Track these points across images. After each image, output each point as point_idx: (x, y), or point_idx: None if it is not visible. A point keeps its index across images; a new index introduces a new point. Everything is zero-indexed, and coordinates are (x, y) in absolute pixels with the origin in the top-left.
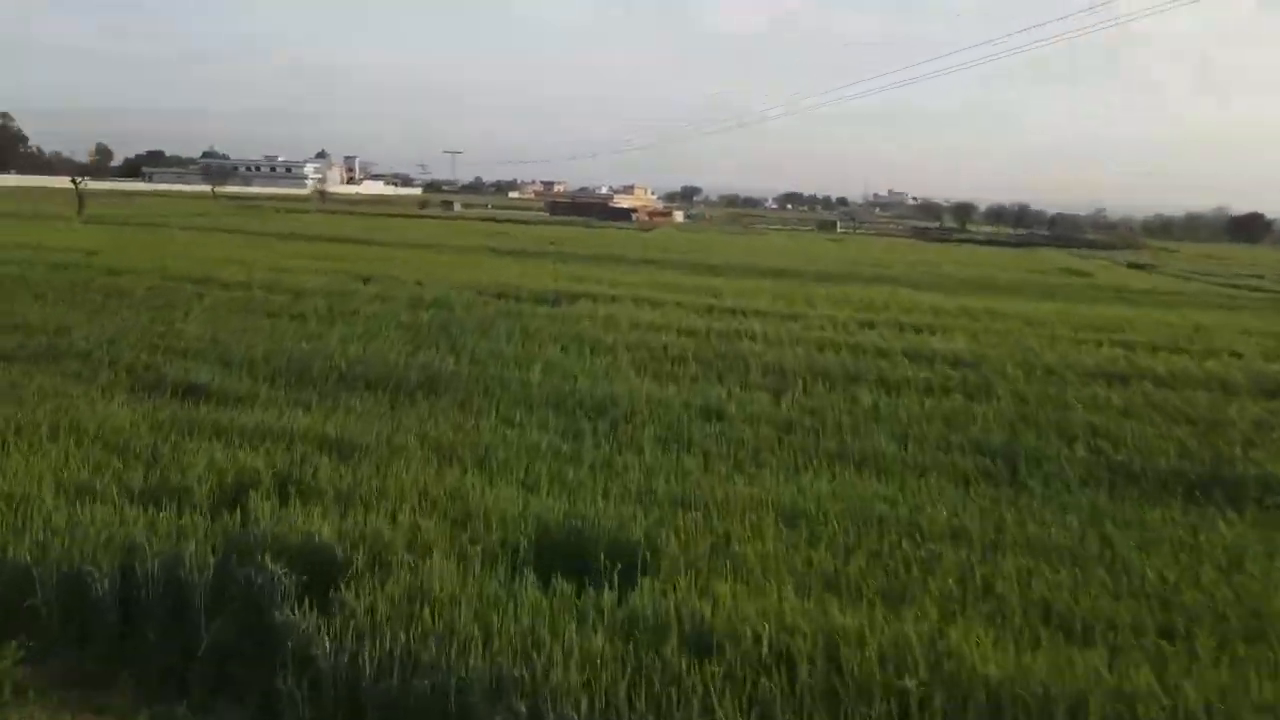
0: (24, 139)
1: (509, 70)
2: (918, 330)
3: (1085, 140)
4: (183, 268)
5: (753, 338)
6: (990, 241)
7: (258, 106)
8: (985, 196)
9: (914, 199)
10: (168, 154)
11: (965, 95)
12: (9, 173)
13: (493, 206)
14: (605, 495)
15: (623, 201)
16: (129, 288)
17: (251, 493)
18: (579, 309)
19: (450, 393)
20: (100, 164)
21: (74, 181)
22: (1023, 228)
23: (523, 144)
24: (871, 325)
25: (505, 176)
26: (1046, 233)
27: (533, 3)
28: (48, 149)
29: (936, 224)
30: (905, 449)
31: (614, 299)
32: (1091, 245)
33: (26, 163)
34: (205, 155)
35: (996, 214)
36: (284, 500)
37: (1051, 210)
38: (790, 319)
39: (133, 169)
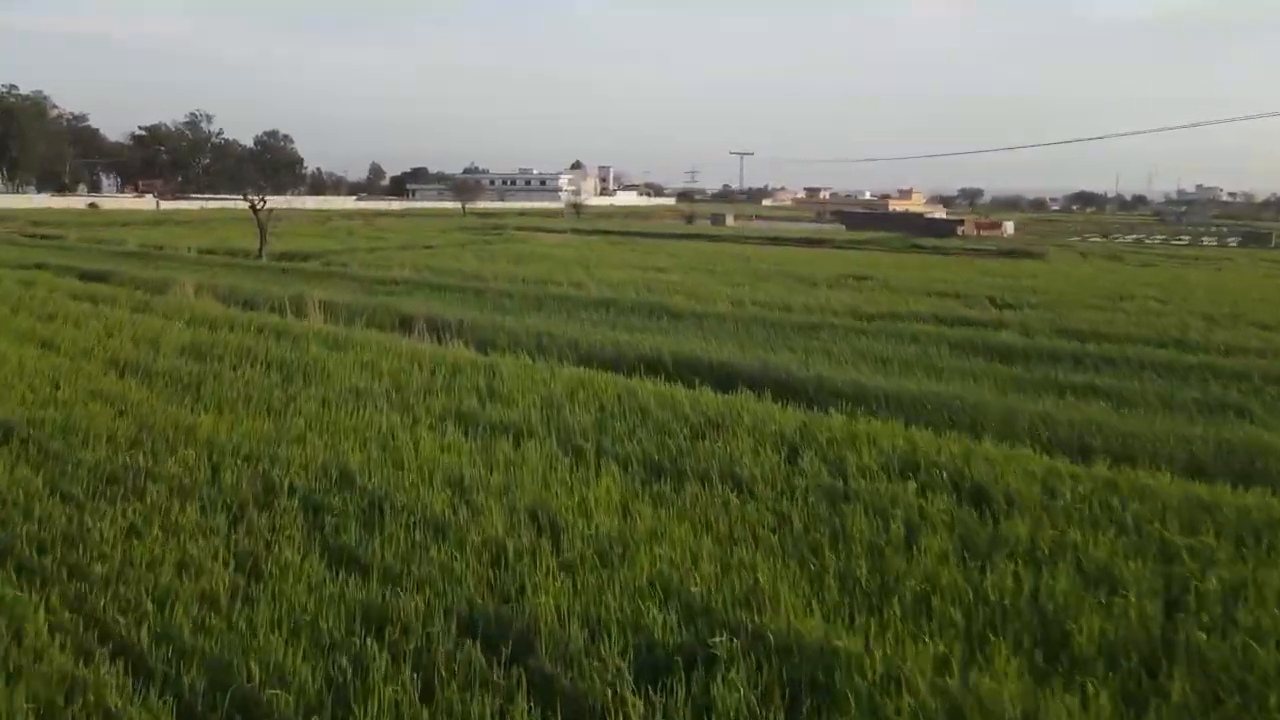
0: (300, 160)
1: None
2: None
3: None
4: None
5: None
6: None
7: (516, 121)
8: None
9: (1229, 195)
10: (431, 171)
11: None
12: (285, 195)
13: (757, 217)
14: None
15: (898, 206)
16: None
17: None
18: None
19: None
20: (373, 183)
21: (252, 207)
22: None
23: (781, 147)
24: None
25: (755, 183)
26: None
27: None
28: (325, 170)
29: None
30: None
31: None
32: None
33: (307, 184)
34: (466, 171)
35: None
36: None
37: None
38: None
39: (399, 186)
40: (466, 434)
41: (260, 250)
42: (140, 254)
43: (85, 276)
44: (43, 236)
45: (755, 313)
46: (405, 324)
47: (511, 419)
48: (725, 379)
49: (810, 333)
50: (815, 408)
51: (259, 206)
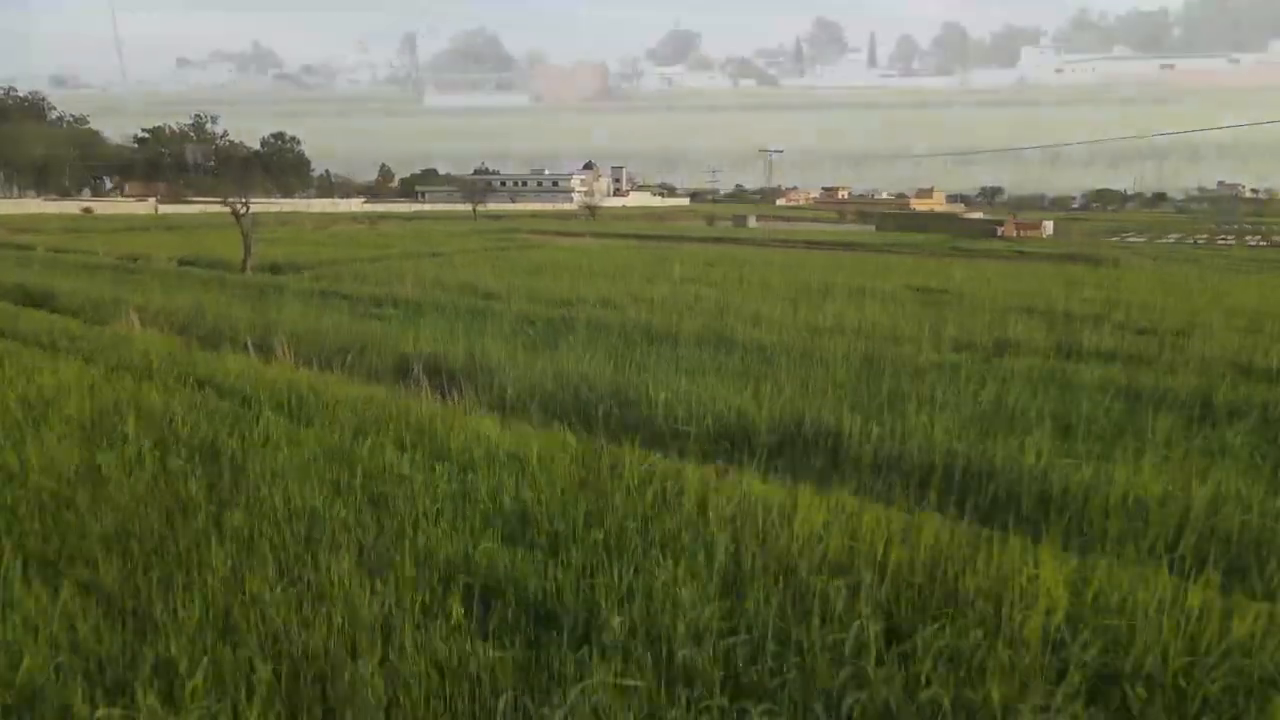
0: (307, 162)
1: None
2: None
3: None
4: None
5: None
6: None
7: (526, 122)
8: None
9: (1252, 191)
10: (440, 172)
11: None
12: (294, 196)
13: (777, 218)
14: None
15: (920, 205)
16: None
17: None
18: None
19: None
20: (382, 185)
21: (234, 212)
22: None
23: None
24: None
25: (761, 183)
26: None
27: None
28: (333, 172)
29: None
30: None
31: None
32: None
33: (315, 186)
34: (476, 172)
35: None
36: None
37: None
38: None
39: (408, 188)
40: (489, 637)
41: (244, 262)
42: (109, 267)
43: (25, 299)
44: (17, 246)
45: (838, 345)
46: (402, 366)
47: (561, 596)
48: (841, 460)
49: (922, 377)
50: (1015, 526)
51: (241, 212)
